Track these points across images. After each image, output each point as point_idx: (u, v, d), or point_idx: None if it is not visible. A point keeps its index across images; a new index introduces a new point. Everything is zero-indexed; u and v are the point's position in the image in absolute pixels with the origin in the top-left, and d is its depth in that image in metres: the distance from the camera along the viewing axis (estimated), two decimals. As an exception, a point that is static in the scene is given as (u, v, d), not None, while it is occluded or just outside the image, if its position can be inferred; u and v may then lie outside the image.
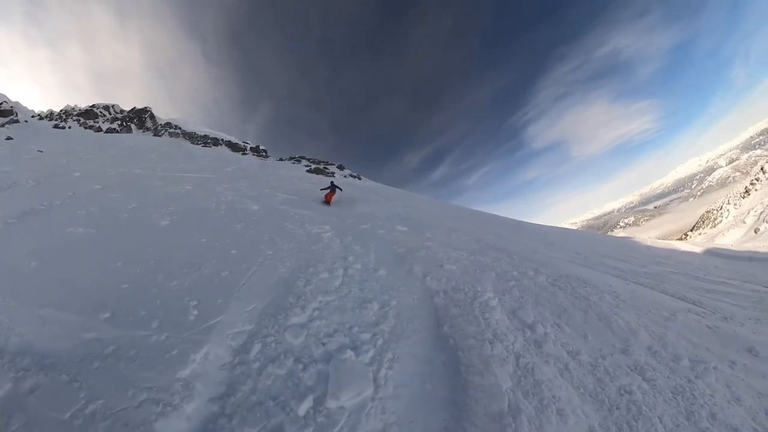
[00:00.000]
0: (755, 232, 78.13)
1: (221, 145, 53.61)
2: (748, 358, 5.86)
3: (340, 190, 20.16)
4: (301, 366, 4.23)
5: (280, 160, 54.24)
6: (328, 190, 19.05)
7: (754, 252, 30.41)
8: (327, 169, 48.01)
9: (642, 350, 5.65)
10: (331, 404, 3.72)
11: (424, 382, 4.37)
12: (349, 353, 4.62)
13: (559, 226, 33.13)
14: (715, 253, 29.34)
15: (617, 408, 4.28)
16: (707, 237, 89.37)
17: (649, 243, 30.07)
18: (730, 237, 78.26)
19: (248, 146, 56.22)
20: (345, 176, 47.59)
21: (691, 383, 4.93)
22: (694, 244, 36.83)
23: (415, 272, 8.29)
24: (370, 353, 4.73)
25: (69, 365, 3.74)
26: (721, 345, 6.22)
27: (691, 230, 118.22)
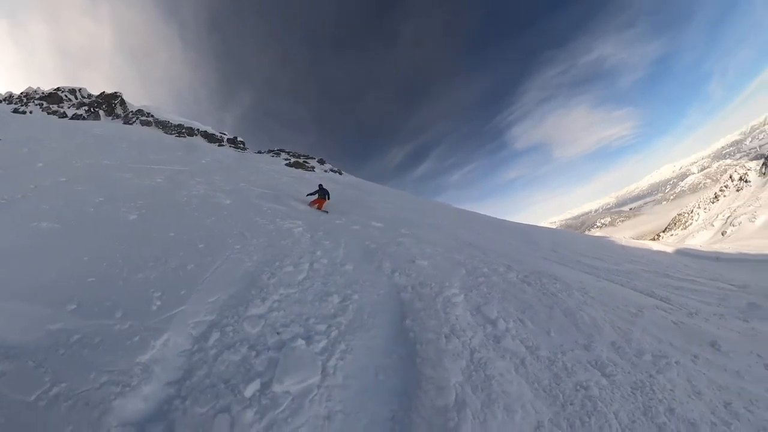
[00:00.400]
0: (722, 234, 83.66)
1: (196, 135, 51.49)
2: (710, 352, 5.92)
3: (328, 197, 16.50)
4: (254, 353, 4.40)
5: (259, 152, 52.58)
6: (316, 195, 16.45)
7: (721, 252, 32.39)
8: (307, 163, 47.08)
9: (605, 346, 5.63)
10: (277, 388, 3.87)
11: (377, 374, 4.43)
12: (300, 342, 4.77)
13: (539, 225, 33.68)
14: (685, 253, 31.22)
15: (571, 404, 4.26)
16: (678, 238, 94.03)
17: (623, 242, 31.19)
18: (699, 238, 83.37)
19: (225, 137, 54.30)
20: (326, 171, 46.72)
21: (651, 378, 4.90)
22: (666, 245, 38.88)
23: (384, 268, 8.26)
24: (322, 343, 4.85)
25: (35, 353, 3.86)
26: (685, 340, 6.27)
27: (664, 231, 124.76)
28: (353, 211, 16.04)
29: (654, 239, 61.69)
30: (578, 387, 4.57)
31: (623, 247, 27.53)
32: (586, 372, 4.90)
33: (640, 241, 36.01)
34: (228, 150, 44.65)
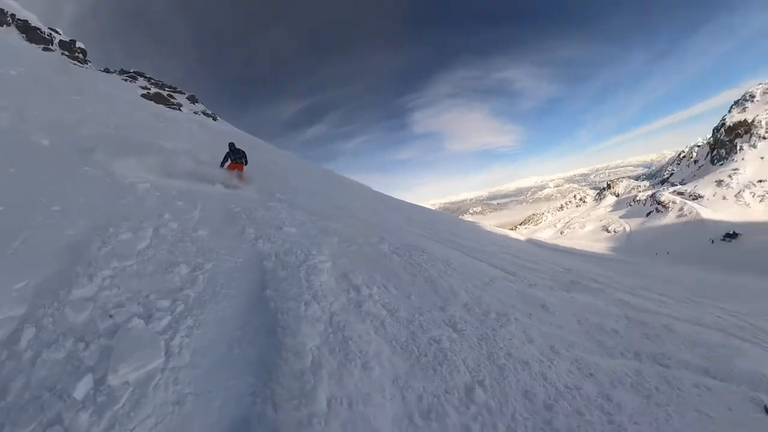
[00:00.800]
0: (561, 233, 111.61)
1: (9, 25, 33.58)
2: (542, 312, 7.10)
3: (245, 161, 12.85)
4: (82, 345, 3.74)
5: (106, 71, 39.70)
6: (230, 159, 12.54)
7: (558, 246, 44.12)
8: (172, 97, 37.86)
9: (458, 307, 6.23)
10: (113, 381, 3.36)
11: (232, 347, 4.09)
12: (138, 322, 4.09)
13: (421, 204, 35.93)
14: (533, 243, 39.40)
15: (425, 356, 4.57)
16: (530, 231, 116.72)
17: (489, 229, 36.24)
18: (544, 234, 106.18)
19: (56, 38, 37.40)
20: (196, 112, 38.51)
21: (494, 331, 5.63)
22: (520, 234, 47.98)
23: (247, 233, 7.56)
24: (165, 321, 4.26)
25: None
26: (524, 303, 7.37)
27: (520, 224, 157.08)
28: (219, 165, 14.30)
29: (512, 229, 76.59)
30: (432, 341, 4.91)
31: (488, 232, 32.11)
32: (439, 329, 5.33)
33: (502, 230, 42.01)
34: (57, 58, 31.92)
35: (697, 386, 5.57)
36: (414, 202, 35.64)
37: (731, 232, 73.07)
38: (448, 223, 25.53)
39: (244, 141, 22.67)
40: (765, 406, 5.29)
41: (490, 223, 50.33)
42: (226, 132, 25.12)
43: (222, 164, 12.44)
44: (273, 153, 25.67)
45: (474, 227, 29.70)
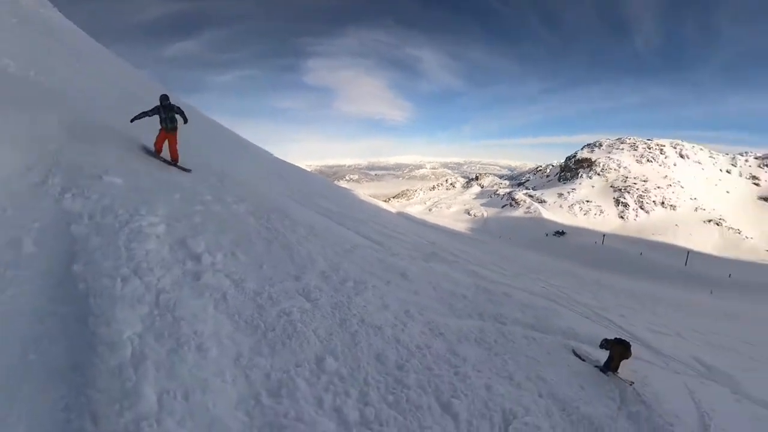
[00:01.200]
0: (429, 210, 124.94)
1: None
2: (400, 279, 7.34)
3: (184, 119, 9.14)
4: None
5: None
6: (161, 122, 8.78)
7: (426, 221, 47.78)
8: None
9: (315, 276, 6.01)
10: None
11: (28, 350, 3.08)
12: None
13: (296, 164, 34.35)
14: (403, 216, 42.13)
15: (273, 330, 4.35)
16: (401, 205, 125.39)
17: (362, 198, 37.04)
18: (414, 209, 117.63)
19: None
20: None
21: (350, 299, 5.64)
22: (392, 207, 50.43)
23: (51, 185, 5.51)
24: None
25: None
26: (384, 271, 7.49)
27: (393, 198, 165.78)
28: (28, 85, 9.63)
29: (385, 201, 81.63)
30: (281, 314, 4.69)
31: (361, 201, 32.72)
32: (291, 300, 5.08)
33: (375, 200, 43.38)
34: None
35: (526, 338, 6.82)
36: (288, 161, 33.65)
37: (561, 231, 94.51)
38: (321, 186, 24.81)
39: (64, 40, 16.75)
40: (573, 350, 7.20)
41: (365, 192, 51.87)
42: (51, 25, 17.67)
43: (136, 119, 8.56)
44: (115, 66, 20.42)
45: (346, 194, 29.75)
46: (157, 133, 8.76)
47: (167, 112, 8.61)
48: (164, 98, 8.69)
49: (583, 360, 7.02)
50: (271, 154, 29.77)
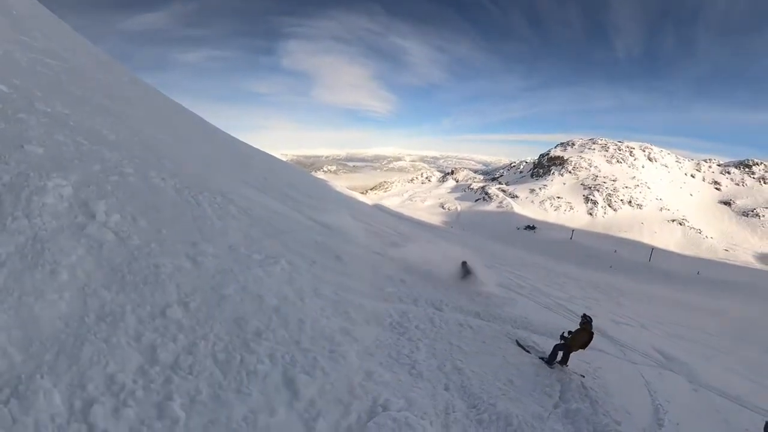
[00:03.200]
0: (404, 203, 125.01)
1: None
2: (332, 261, 7.01)
3: None
4: None
5: None
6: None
7: (400, 213, 49.19)
8: None
9: (218, 245, 5.68)
10: None
11: None
12: None
13: (271, 153, 33.32)
14: (378, 207, 41.90)
15: (133, 275, 4.48)
16: (378, 197, 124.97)
17: (338, 189, 36.27)
18: (390, 201, 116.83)
19: None
20: None
21: (247, 269, 5.37)
22: (368, 199, 50.25)
23: None
24: None
25: None
26: (315, 252, 7.05)
27: (371, 189, 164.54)
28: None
29: (363, 193, 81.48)
30: (151, 266, 4.72)
31: (337, 192, 31.63)
32: (171, 257, 4.98)
33: (350, 191, 43.16)
34: None
35: (461, 325, 6.39)
36: (262, 149, 32.41)
37: (531, 225, 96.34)
38: (292, 176, 23.71)
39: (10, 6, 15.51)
40: (516, 340, 6.78)
41: (342, 184, 51.23)
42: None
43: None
44: (70, 41, 18.65)
45: (320, 184, 29.22)
46: None
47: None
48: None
49: (528, 351, 6.58)
50: (242, 142, 28.51)
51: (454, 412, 4.27)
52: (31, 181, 5.25)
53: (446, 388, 4.63)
